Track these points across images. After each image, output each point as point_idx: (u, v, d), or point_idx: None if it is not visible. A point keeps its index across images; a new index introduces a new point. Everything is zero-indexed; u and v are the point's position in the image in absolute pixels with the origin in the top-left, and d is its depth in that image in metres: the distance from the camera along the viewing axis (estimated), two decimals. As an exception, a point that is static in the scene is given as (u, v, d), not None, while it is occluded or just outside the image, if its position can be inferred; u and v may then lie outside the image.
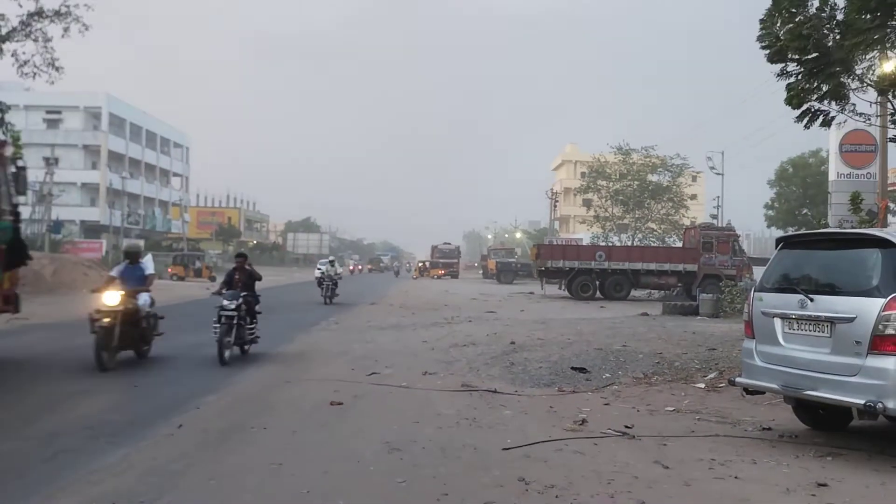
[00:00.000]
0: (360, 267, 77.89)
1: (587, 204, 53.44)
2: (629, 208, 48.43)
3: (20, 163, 11.22)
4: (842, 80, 10.01)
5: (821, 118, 10.55)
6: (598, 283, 30.89)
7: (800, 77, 10.06)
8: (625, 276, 30.68)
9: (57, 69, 20.95)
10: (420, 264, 69.92)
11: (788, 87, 10.19)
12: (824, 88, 10.01)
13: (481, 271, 65.85)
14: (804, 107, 10.33)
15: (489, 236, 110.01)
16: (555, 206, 65.12)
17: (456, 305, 24.02)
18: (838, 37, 9.59)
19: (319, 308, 22.55)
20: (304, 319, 17.97)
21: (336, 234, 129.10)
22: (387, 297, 30.01)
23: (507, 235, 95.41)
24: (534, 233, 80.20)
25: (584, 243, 41.27)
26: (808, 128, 10.54)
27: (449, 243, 68.78)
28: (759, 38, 10.09)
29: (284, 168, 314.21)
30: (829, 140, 27.03)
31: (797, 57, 9.84)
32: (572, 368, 9.90)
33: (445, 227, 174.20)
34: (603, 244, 41.71)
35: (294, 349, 12.52)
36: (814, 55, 9.62)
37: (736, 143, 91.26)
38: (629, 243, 45.49)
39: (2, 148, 10.08)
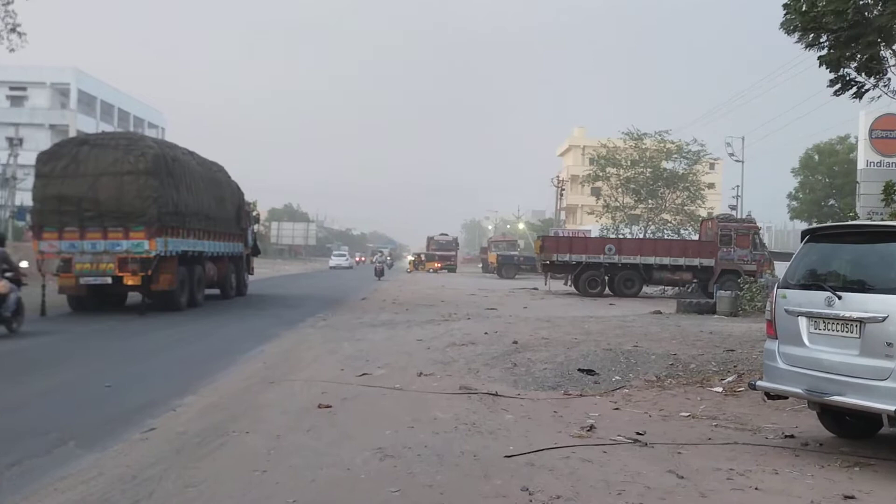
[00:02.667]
0: (363, 259, 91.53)
1: (596, 193, 53.50)
2: (641, 198, 48.43)
3: (255, 213, 26.94)
4: (880, 52, 10.01)
5: (854, 88, 10.60)
6: (607, 278, 30.93)
7: (833, 49, 10.07)
8: (636, 271, 30.71)
9: (19, 35, 20.73)
10: (414, 257, 69.87)
11: (821, 59, 10.24)
12: (860, 58, 10.04)
13: (481, 265, 65.89)
14: (839, 73, 10.36)
15: (490, 227, 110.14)
16: (561, 195, 65.24)
17: (453, 301, 24.02)
18: (880, 6, 9.59)
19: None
20: (289, 316, 17.95)
21: (324, 223, 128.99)
22: (379, 291, 30.03)
23: (508, 226, 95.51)
24: (538, 224, 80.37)
25: (593, 235, 41.33)
26: (839, 94, 10.55)
27: (446, 234, 68.49)
28: (785, 6, 10.09)
29: (268, 152, 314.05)
30: (858, 125, 27.03)
31: (833, 27, 9.82)
32: (579, 370, 9.92)
33: (442, 217, 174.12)
34: (613, 236, 41.76)
35: (279, 347, 12.53)
36: (851, 23, 9.61)
37: (758, 128, 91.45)
38: (641, 236, 45.56)
39: (250, 206, 21.89)
